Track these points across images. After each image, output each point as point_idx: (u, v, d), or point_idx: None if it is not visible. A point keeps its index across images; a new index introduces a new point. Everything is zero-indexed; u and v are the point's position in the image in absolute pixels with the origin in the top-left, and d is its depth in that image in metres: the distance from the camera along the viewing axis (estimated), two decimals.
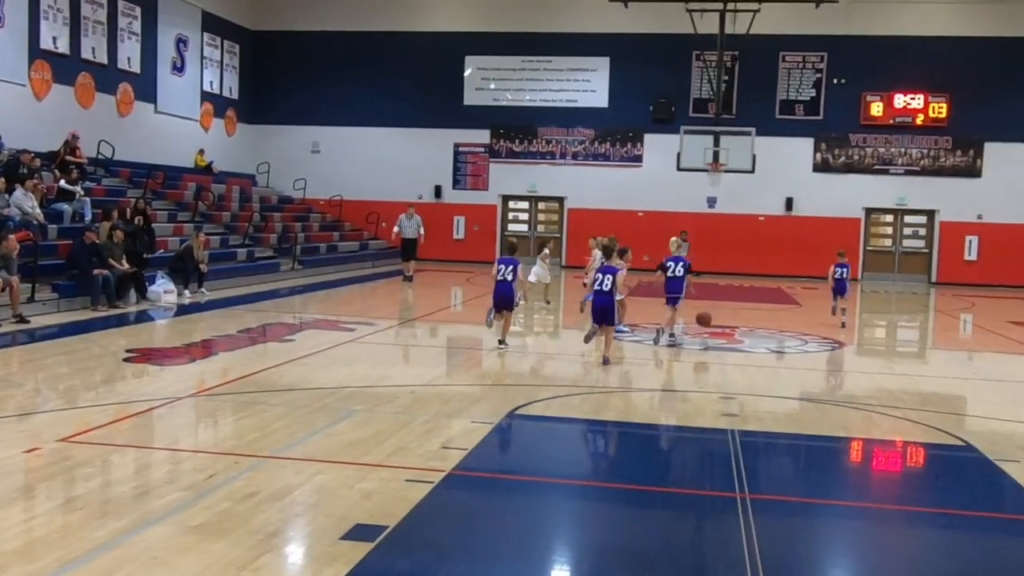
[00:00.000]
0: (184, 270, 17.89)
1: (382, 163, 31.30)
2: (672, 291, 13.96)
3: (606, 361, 11.88)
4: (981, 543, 5.97)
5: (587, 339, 12.15)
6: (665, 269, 14.06)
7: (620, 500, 6.58)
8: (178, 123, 27.41)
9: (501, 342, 12.92)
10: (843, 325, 16.69)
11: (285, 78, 31.73)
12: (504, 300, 12.82)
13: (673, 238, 15.15)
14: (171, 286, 17.10)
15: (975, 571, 5.42)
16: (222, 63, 29.95)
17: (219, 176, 27.46)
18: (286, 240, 24.97)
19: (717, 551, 5.55)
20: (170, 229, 21.30)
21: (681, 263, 14.08)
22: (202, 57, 28.68)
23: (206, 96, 29.04)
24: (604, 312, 11.98)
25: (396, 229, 24.34)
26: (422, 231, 24.24)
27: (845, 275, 17.05)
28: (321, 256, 26.38)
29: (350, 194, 31.14)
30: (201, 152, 27.95)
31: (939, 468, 8.06)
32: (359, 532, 5.41)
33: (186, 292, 17.59)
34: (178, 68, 27.31)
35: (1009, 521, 6.47)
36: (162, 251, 19.24)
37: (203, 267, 18.32)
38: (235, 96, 30.91)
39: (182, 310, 16.36)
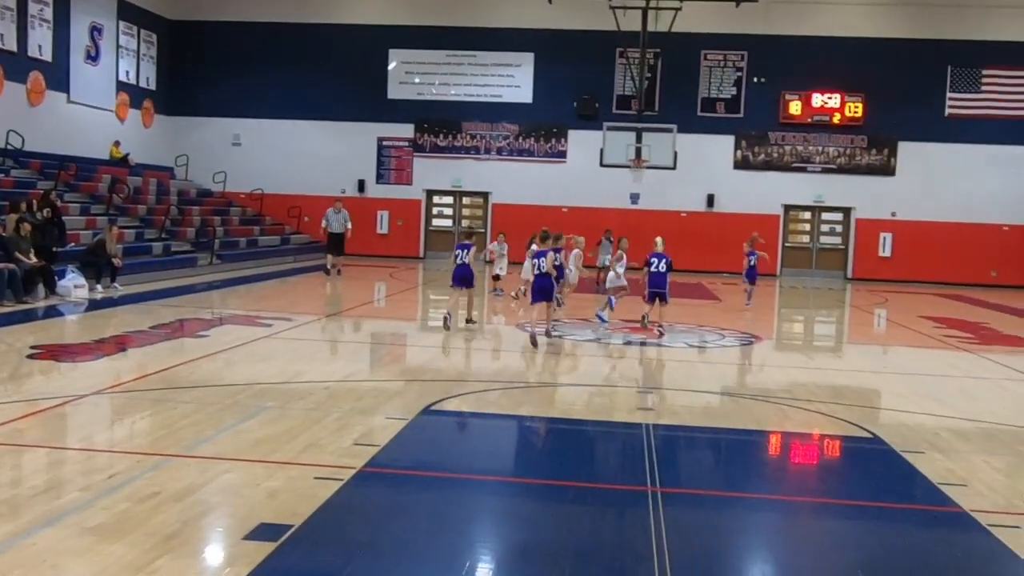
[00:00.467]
0: (96, 264, 17.41)
1: (304, 156, 30.93)
2: (654, 286, 14.71)
3: (548, 334, 13.59)
4: (887, 535, 6.06)
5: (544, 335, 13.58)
6: (649, 265, 14.86)
7: (532, 496, 6.55)
8: (92, 113, 26.67)
9: (468, 320, 14.68)
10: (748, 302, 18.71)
11: (205, 69, 31.13)
12: (464, 279, 14.24)
13: (658, 237, 15.66)
14: (82, 280, 16.63)
15: (881, 563, 5.50)
16: (139, 52, 29.23)
17: (135, 168, 26.80)
18: (204, 234, 24.47)
19: (627, 546, 5.55)
20: (83, 222, 20.71)
21: (664, 260, 14.74)
22: (118, 46, 27.94)
23: (122, 86, 28.31)
24: (544, 290, 13.34)
25: (324, 224, 24.31)
26: (349, 225, 24.32)
27: (754, 261, 18.84)
28: (241, 250, 25.95)
29: (271, 188, 30.67)
30: (117, 144, 27.27)
31: (848, 461, 8.19)
32: (263, 532, 5.28)
33: (98, 287, 17.12)
34: (92, 57, 26.57)
35: (914, 512, 6.59)
36: (73, 244, 18.69)
37: (116, 261, 17.86)
38: (152, 87, 30.20)
39: (93, 305, 15.93)
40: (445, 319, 14.08)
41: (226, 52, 30.97)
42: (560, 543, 5.54)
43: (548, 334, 13.60)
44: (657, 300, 14.70)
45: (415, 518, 5.80)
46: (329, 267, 23.64)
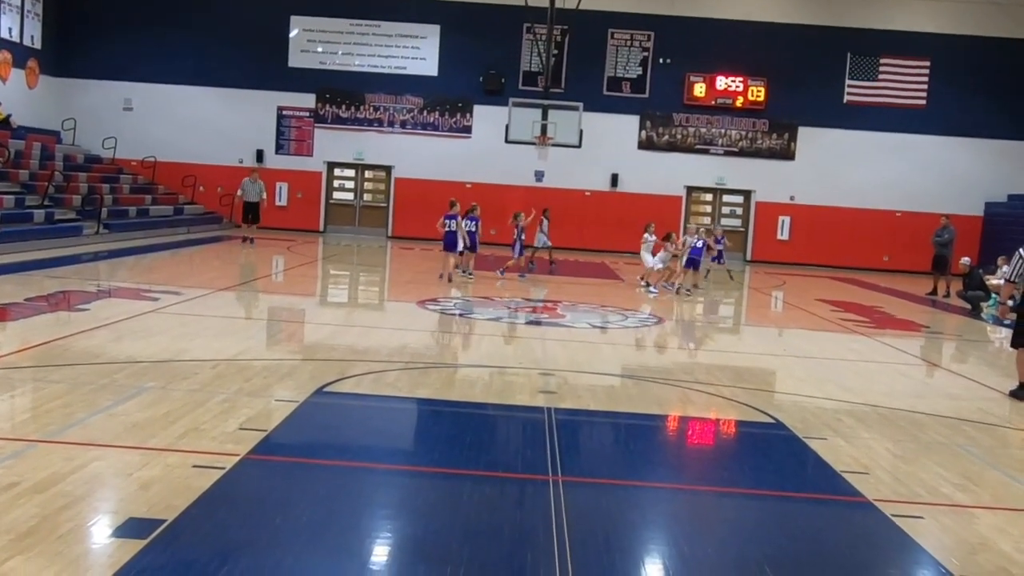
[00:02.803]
0: None
1: (200, 124, 29.83)
2: (695, 254, 19.19)
3: (449, 279, 17.71)
4: (792, 525, 5.93)
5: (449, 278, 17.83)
6: (687, 245, 19.26)
7: (426, 485, 6.21)
8: None
9: (467, 273, 18.94)
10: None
11: (96, 29, 29.69)
12: (450, 245, 18.03)
13: (698, 226, 20.85)
14: None
15: (785, 554, 5.35)
16: (23, 9, 27.66)
17: (18, 131, 25.41)
18: (91, 202, 23.37)
19: (527, 538, 5.26)
20: None
21: (702, 241, 19.50)
22: (0, 1, 26.40)
23: (4, 44, 26.77)
24: (450, 244, 17.94)
25: (239, 193, 24.92)
26: (264, 195, 25.07)
27: (700, 245, 19.89)
28: (130, 220, 24.90)
29: (165, 156, 29.54)
30: None
31: (752, 447, 8.07)
32: (131, 528, 4.84)
33: None
34: None
35: (818, 502, 6.48)
36: None
37: None
38: (38, 46, 28.63)
39: None
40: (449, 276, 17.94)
41: (119, 13, 29.58)
42: (456, 536, 5.22)
43: (449, 279, 17.70)
44: (692, 268, 19.15)
45: (301, 510, 5.40)
46: (252, 237, 24.56)
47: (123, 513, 5.07)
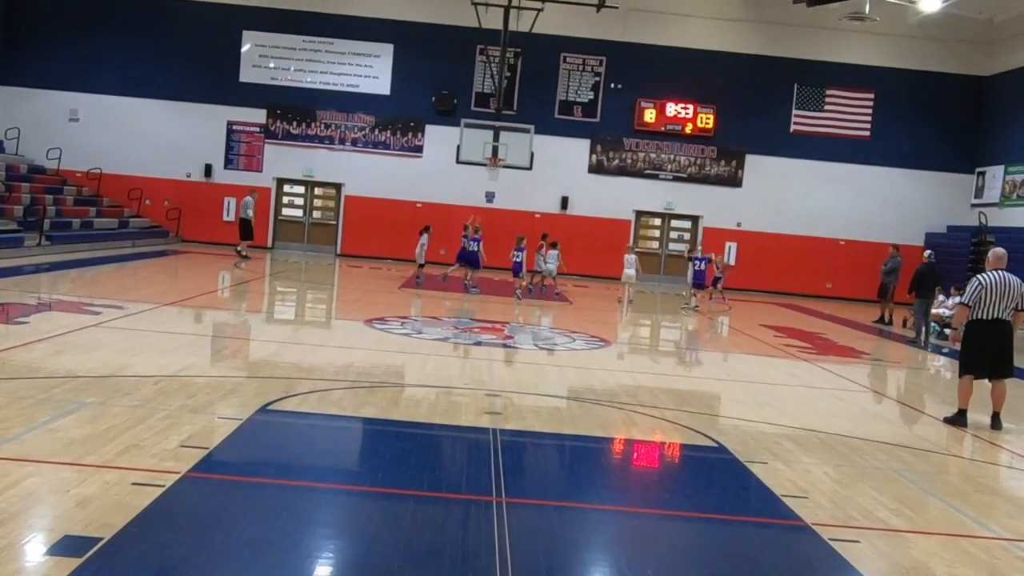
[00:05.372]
0: None
1: (148, 137, 29.52)
2: (697, 280, 22.35)
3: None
4: (731, 549, 6.00)
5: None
6: (693, 263, 22.44)
7: (369, 505, 6.20)
8: None
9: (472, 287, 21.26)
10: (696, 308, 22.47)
11: (42, 38, 29.27)
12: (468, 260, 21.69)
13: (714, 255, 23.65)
14: None
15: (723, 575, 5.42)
16: None
17: None
18: (34, 213, 22.97)
19: (469, 560, 5.27)
20: None
21: (704, 261, 22.27)
22: None
23: None
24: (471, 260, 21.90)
25: (249, 212, 25.44)
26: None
27: (702, 267, 22.06)
28: (74, 232, 24.53)
29: (111, 168, 29.15)
30: None
31: (694, 470, 8.16)
32: (67, 546, 4.76)
33: None
34: None
35: (758, 525, 6.57)
36: None
37: None
38: None
39: None
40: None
41: (66, 21, 29.21)
42: (399, 556, 5.22)
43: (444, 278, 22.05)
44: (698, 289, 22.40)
45: (241, 530, 5.36)
46: (246, 253, 25.17)
47: (59, 531, 4.99)
